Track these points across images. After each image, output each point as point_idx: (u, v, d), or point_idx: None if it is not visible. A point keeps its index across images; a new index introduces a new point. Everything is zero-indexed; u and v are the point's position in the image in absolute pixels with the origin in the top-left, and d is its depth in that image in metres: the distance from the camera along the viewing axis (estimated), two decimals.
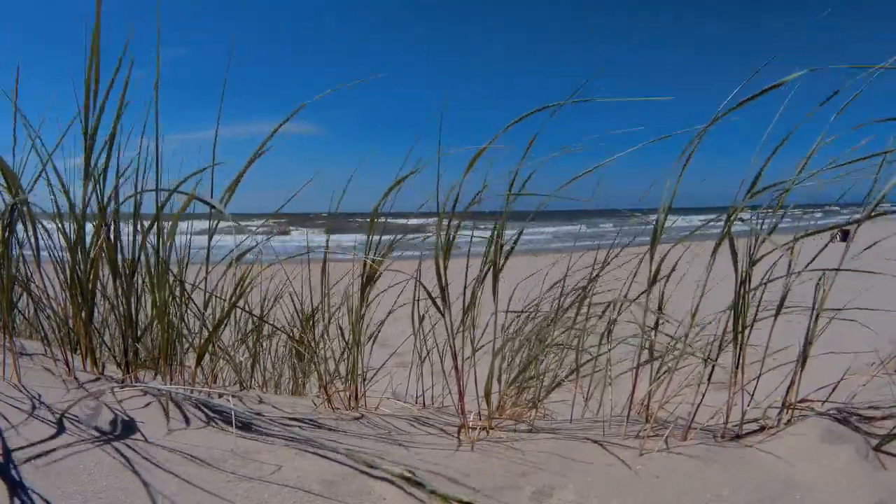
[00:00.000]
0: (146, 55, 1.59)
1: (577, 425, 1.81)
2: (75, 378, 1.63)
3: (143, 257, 1.73)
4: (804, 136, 1.54)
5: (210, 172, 1.64)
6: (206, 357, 2.01)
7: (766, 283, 1.58)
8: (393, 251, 1.91)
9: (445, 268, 1.69)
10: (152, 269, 1.71)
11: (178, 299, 1.75)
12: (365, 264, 1.90)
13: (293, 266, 2.32)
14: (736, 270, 1.57)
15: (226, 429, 1.46)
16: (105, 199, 1.68)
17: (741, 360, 1.59)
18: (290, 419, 1.71)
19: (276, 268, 2.25)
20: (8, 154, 1.66)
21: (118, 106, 1.62)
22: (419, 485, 1.24)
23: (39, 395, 1.43)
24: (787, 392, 1.61)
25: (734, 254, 1.57)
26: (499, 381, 2.00)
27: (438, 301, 1.70)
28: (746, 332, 1.59)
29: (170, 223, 1.69)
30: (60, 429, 1.27)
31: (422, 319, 1.98)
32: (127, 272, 1.73)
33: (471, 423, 1.72)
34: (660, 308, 1.75)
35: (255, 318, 2.41)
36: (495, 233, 1.68)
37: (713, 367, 1.61)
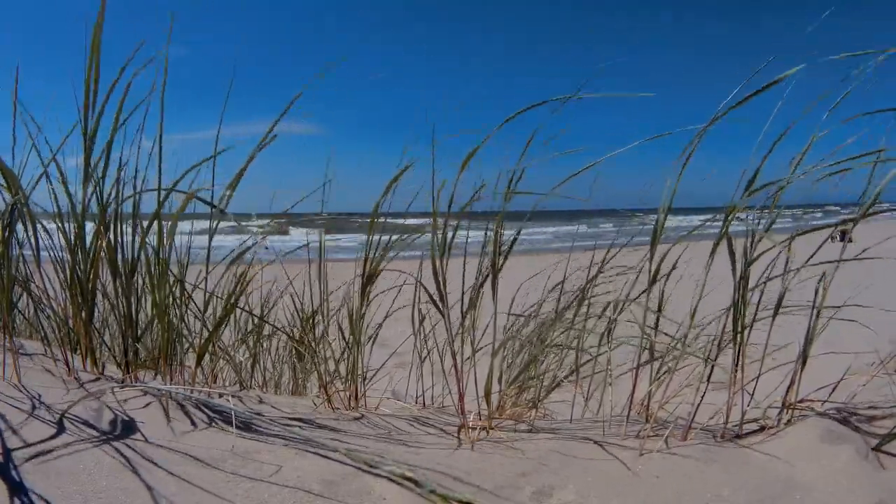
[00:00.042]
0: (146, 55, 1.59)
1: (577, 425, 1.81)
2: (75, 378, 1.63)
3: (143, 257, 1.73)
4: (804, 135, 1.54)
5: (211, 172, 1.64)
6: (206, 357, 2.01)
7: (765, 283, 1.58)
8: (392, 251, 1.91)
9: (444, 268, 1.69)
10: (152, 269, 1.71)
11: (178, 299, 1.75)
12: (365, 264, 1.90)
13: (293, 266, 2.32)
14: (734, 270, 1.57)
15: (226, 429, 1.46)
16: (105, 200, 1.68)
17: (741, 360, 1.59)
18: (290, 419, 1.71)
19: (277, 269, 2.25)
20: (7, 154, 1.66)
21: (118, 108, 1.62)
22: (419, 484, 1.24)
23: (39, 395, 1.43)
24: (787, 392, 1.61)
25: (732, 253, 1.57)
26: (499, 381, 2.00)
27: (439, 302, 1.70)
28: (746, 331, 1.59)
29: (169, 223, 1.69)
30: (60, 429, 1.27)
31: (422, 320, 1.98)
32: (127, 272, 1.73)
33: (471, 423, 1.72)
34: (659, 308, 1.75)
35: (255, 319, 2.41)
36: (494, 233, 1.68)
37: (713, 367, 1.61)
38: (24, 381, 1.52)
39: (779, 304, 1.59)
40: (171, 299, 1.72)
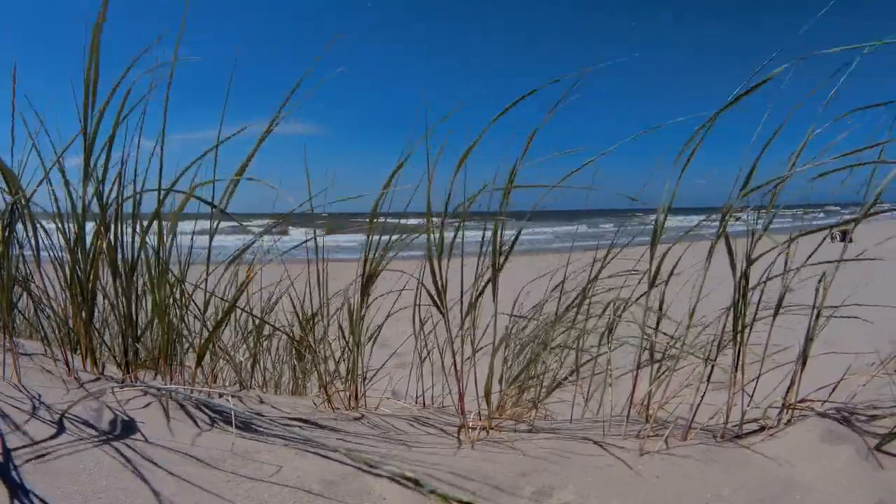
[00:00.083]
0: (146, 55, 1.59)
1: (578, 425, 1.81)
2: (75, 378, 1.63)
3: (142, 257, 1.73)
4: (802, 134, 1.54)
5: (212, 172, 1.64)
6: (207, 357, 2.01)
7: (764, 283, 1.58)
8: (392, 251, 1.91)
9: (443, 268, 1.69)
10: (152, 269, 1.71)
11: (178, 300, 1.75)
12: (365, 264, 1.90)
13: (293, 266, 2.32)
14: (734, 269, 1.57)
15: (226, 429, 1.46)
16: (105, 200, 1.68)
17: (741, 360, 1.59)
18: (290, 419, 1.71)
19: (277, 269, 2.25)
20: (7, 154, 1.66)
21: (118, 111, 1.62)
22: (419, 485, 1.24)
23: (39, 395, 1.43)
24: (787, 392, 1.61)
25: (731, 253, 1.57)
26: (499, 381, 2.00)
27: (439, 302, 1.70)
28: (746, 331, 1.59)
29: (168, 223, 1.69)
30: (60, 429, 1.27)
31: (424, 324, 1.98)
32: (127, 272, 1.73)
33: (471, 423, 1.72)
34: (660, 309, 1.75)
35: (255, 319, 2.41)
36: (493, 232, 1.68)
37: (713, 367, 1.61)
38: (24, 381, 1.52)
39: (779, 305, 1.59)
40: (171, 300, 1.72)
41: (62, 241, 1.70)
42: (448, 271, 1.71)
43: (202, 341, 1.82)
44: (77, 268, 1.67)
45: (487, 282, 1.72)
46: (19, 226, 1.65)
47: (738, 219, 1.57)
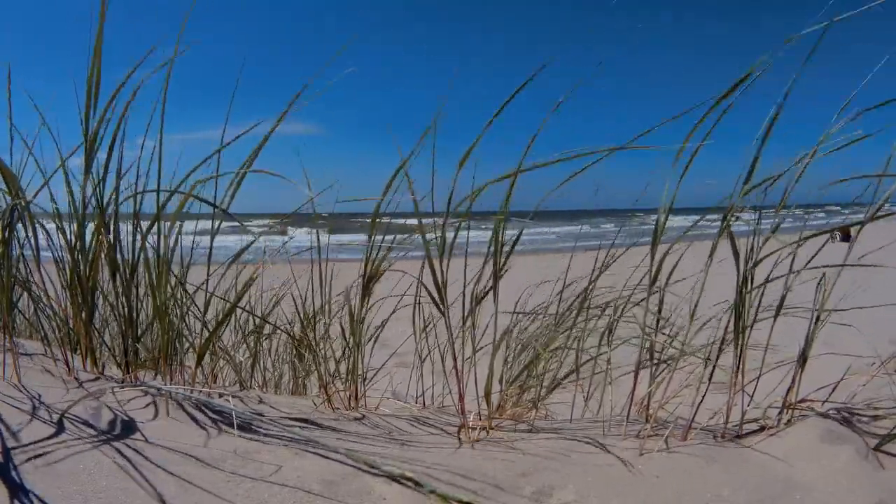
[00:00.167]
0: (149, 54, 1.59)
1: (578, 425, 1.81)
2: (75, 378, 1.63)
3: (142, 257, 1.73)
4: (806, 133, 1.54)
5: (215, 169, 1.64)
6: (207, 357, 2.01)
7: (765, 283, 1.58)
8: (393, 252, 1.91)
9: (444, 268, 1.69)
10: (152, 269, 1.71)
11: (178, 300, 1.75)
12: (366, 264, 1.90)
13: (293, 265, 2.32)
14: (738, 269, 1.57)
15: (226, 429, 1.46)
16: (105, 200, 1.68)
17: (741, 361, 1.59)
18: (290, 419, 1.71)
19: (276, 269, 2.25)
20: (6, 154, 1.66)
21: (121, 114, 1.62)
22: (419, 485, 1.24)
23: (39, 395, 1.43)
24: (787, 392, 1.61)
25: (735, 253, 1.57)
26: (499, 381, 2.00)
27: (438, 301, 1.70)
28: (747, 332, 1.59)
29: (168, 223, 1.69)
30: (60, 429, 1.27)
31: (426, 326, 1.98)
32: (127, 272, 1.73)
33: (471, 423, 1.72)
34: (659, 310, 1.75)
35: (255, 319, 2.41)
36: (495, 232, 1.67)
37: (713, 367, 1.61)
38: (24, 381, 1.52)
39: (780, 305, 1.59)
40: (172, 300, 1.72)
41: (62, 241, 1.70)
42: (449, 271, 1.71)
43: (202, 341, 1.82)
44: (77, 268, 1.67)
45: (489, 289, 1.71)
46: (19, 226, 1.65)
47: (737, 218, 1.56)
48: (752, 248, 1.56)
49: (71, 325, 1.75)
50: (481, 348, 1.75)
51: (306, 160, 1.65)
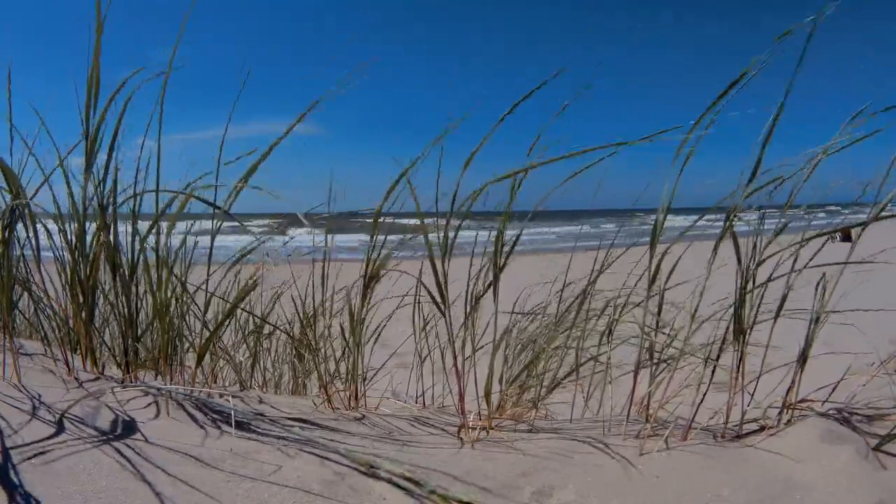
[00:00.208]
0: (147, 54, 1.59)
1: (578, 425, 1.81)
2: (75, 378, 1.63)
3: (143, 257, 1.73)
4: (807, 132, 1.54)
5: (214, 170, 1.64)
6: (207, 357, 2.01)
7: (765, 284, 1.58)
8: (394, 252, 1.91)
9: (445, 269, 1.69)
10: (152, 270, 1.71)
11: (179, 300, 1.75)
12: (367, 264, 1.89)
13: (294, 265, 2.32)
14: (740, 269, 1.57)
15: (226, 429, 1.46)
16: (106, 200, 1.68)
17: (742, 361, 1.59)
18: (290, 419, 1.71)
19: (276, 269, 2.25)
20: (6, 153, 1.66)
21: (120, 115, 1.62)
22: (419, 484, 1.24)
23: (39, 395, 1.43)
24: (788, 392, 1.61)
25: (738, 254, 1.57)
26: (499, 381, 2.00)
27: (440, 302, 1.70)
28: (747, 332, 1.59)
29: (167, 224, 1.69)
30: (60, 429, 1.27)
31: (425, 325, 1.98)
32: (127, 272, 1.73)
33: (471, 423, 1.72)
34: (659, 310, 1.75)
35: (255, 319, 2.41)
36: (498, 232, 1.67)
37: (714, 367, 1.61)
38: (24, 381, 1.52)
39: (781, 306, 1.59)
40: (173, 300, 1.72)
41: (63, 241, 1.70)
42: (449, 271, 1.71)
43: (202, 341, 1.82)
44: (77, 267, 1.67)
45: (490, 284, 1.71)
46: (20, 225, 1.65)
47: (738, 218, 1.56)
48: (753, 249, 1.56)
49: (71, 325, 1.75)
50: (481, 348, 1.75)
51: (306, 160, 1.65)
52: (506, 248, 1.71)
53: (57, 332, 1.80)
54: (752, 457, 1.45)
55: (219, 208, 1.60)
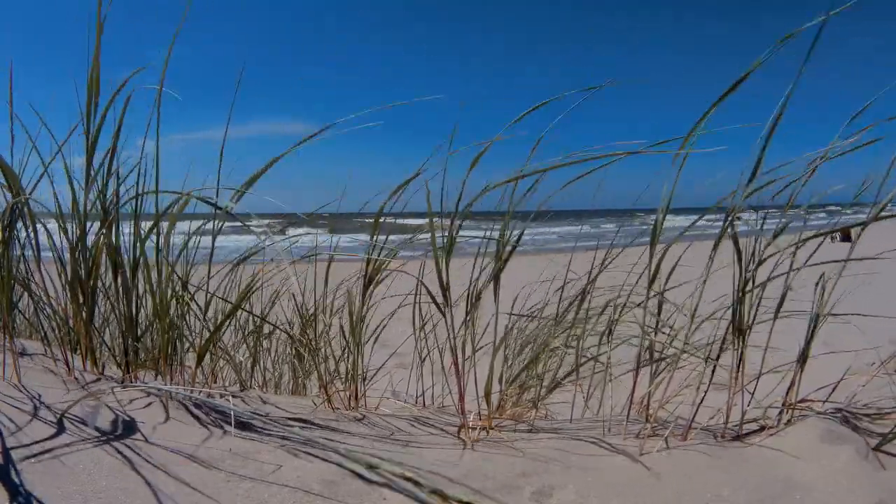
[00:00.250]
0: (146, 54, 1.59)
1: (578, 425, 1.81)
2: (75, 378, 1.63)
3: (143, 258, 1.73)
4: (807, 132, 1.54)
5: (215, 169, 1.64)
6: (207, 357, 2.01)
7: (765, 283, 1.58)
8: (395, 251, 1.91)
9: (447, 269, 1.69)
10: (152, 270, 1.71)
11: (179, 300, 1.75)
12: (367, 264, 1.90)
13: (292, 266, 2.32)
14: (740, 271, 1.57)
15: (226, 429, 1.46)
16: (107, 200, 1.68)
17: (741, 361, 1.59)
18: (290, 419, 1.72)
19: (276, 269, 2.25)
20: (6, 152, 1.66)
21: (121, 115, 1.62)
22: (419, 485, 1.24)
23: (39, 395, 1.43)
24: (787, 392, 1.61)
25: (739, 255, 1.57)
26: (499, 381, 2.00)
27: (440, 302, 1.70)
28: (747, 332, 1.59)
29: (167, 224, 1.69)
30: (60, 429, 1.27)
31: (424, 324, 1.98)
32: (128, 272, 1.73)
33: (471, 423, 1.72)
34: (659, 310, 1.75)
35: (255, 319, 2.41)
36: (501, 233, 1.68)
37: (714, 367, 1.61)
38: (24, 381, 1.52)
39: (780, 305, 1.59)
40: (173, 301, 1.72)
41: (63, 241, 1.71)
42: (451, 272, 1.71)
43: (203, 342, 1.82)
44: (78, 267, 1.67)
45: (492, 278, 1.71)
46: (19, 225, 1.65)
47: (739, 218, 1.56)
48: (753, 249, 1.56)
49: (71, 325, 1.75)
50: (481, 348, 1.75)
51: (306, 160, 1.65)
52: (507, 248, 1.71)
53: (57, 332, 1.80)
54: (752, 457, 1.45)
55: (220, 208, 1.60)
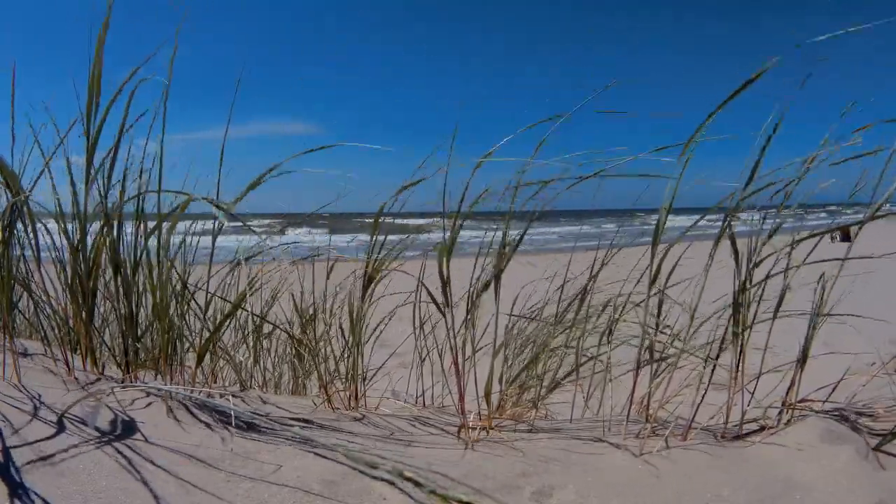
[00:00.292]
0: (146, 54, 1.59)
1: (578, 425, 1.81)
2: (75, 378, 1.63)
3: (143, 258, 1.73)
4: (807, 132, 1.55)
5: (214, 169, 1.64)
6: (207, 357, 2.01)
7: (762, 282, 1.58)
8: (395, 252, 1.91)
9: (447, 267, 1.69)
10: (153, 270, 1.71)
11: (179, 300, 1.75)
12: (367, 264, 1.90)
13: (291, 266, 2.32)
14: (738, 271, 1.57)
15: (226, 429, 1.46)
16: (108, 201, 1.68)
17: (741, 361, 1.59)
18: (290, 419, 1.72)
19: (276, 268, 2.25)
20: (6, 152, 1.66)
21: (123, 115, 1.62)
22: (419, 485, 1.24)
23: (39, 395, 1.43)
24: (787, 392, 1.61)
25: (736, 255, 1.57)
26: (499, 381, 2.00)
27: (440, 302, 1.70)
28: (746, 332, 1.59)
29: (168, 224, 1.69)
30: (60, 429, 1.27)
31: (423, 323, 1.98)
32: (128, 272, 1.73)
33: (471, 423, 1.72)
34: (659, 310, 1.75)
35: (255, 319, 2.41)
36: (503, 233, 1.68)
37: (713, 367, 1.61)
38: (24, 381, 1.52)
39: (779, 305, 1.59)
40: (173, 300, 1.72)
41: (64, 241, 1.70)
42: (451, 272, 1.71)
43: (203, 341, 1.82)
44: (78, 268, 1.67)
45: (493, 277, 1.72)
46: (19, 225, 1.65)
47: (737, 218, 1.57)
48: (752, 249, 1.56)
49: (71, 325, 1.75)
50: (481, 348, 1.75)
51: (306, 159, 1.64)
52: (508, 249, 1.71)
53: (57, 332, 1.80)
54: (752, 457, 1.45)
55: (221, 209, 1.60)
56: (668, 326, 1.79)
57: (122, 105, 1.62)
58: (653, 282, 1.63)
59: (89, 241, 1.68)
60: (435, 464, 1.41)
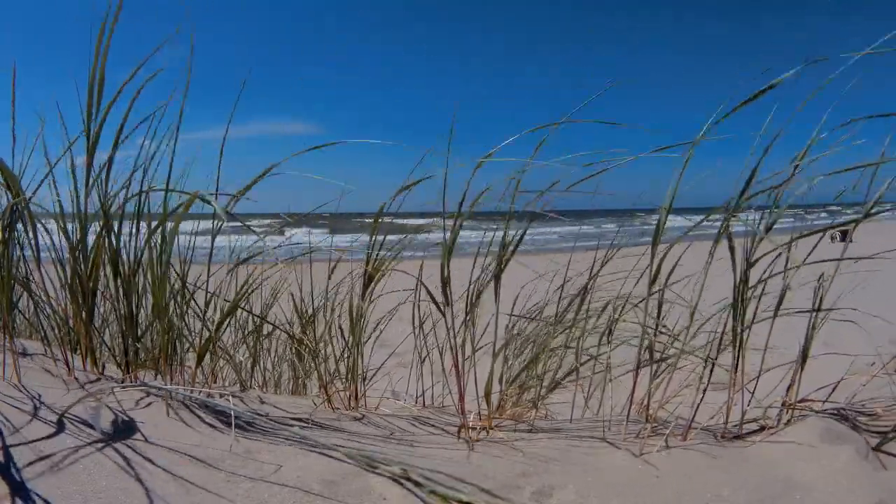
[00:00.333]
0: (146, 54, 1.59)
1: (578, 425, 1.81)
2: (75, 378, 1.63)
3: (144, 257, 1.73)
4: (807, 133, 1.55)
5: (214, 169, 1.64)
6: (207, 357, 2.01)
7: (763, 282, 1.58)
8: (393, 251, 1.91)
9: (447, 267, 1.69)
10: (154, 270, 1.71)
11: (178, 300, 1.75)
12: (367, 263, 1.90)
13: (291, 266, 2.32)
14: (735, 271, 1.57)
15: (226, 429, 1.46)
16: (108, 201, 1.68)
17: (741, 361, 1.59)
18: (290, 419, 1.72)
19: (275, 269, 2.25)
20: (7, 153, 1.66)
21: (125, 115, 1.62)
22: (419, 485, 1.24)
23: (39, 395, 1.43)
24: (787, 392, 1.61)
25: (733, 255, 1.57)
26: (499, 381, 2.00)
27: (440, 302, 1.70)
28: (746, 331, 1.59)
29: (170, 224, 1.69)
30: (60, 429, 1.27)
31: (423, 322, 1.98)
32: (128, 272, 1.73)
33: (471, 423, 1.72)
34: (659, 310, 1.74)
35: (255, 319, 2.41)
36: (504, 234, 1.68)
37: (713, 367, 1.61)
38: (24, 381, 1.52)
39: (779, 305, 1.59)
40: (173, 301, 1.72)
41: (64, 241, 1.70)
42: (451, 271, 1.71)
43: (202, 341, 1.82)
44: (78, 268, 1.67)
45: (494, 276, 1.72)
46: (19, 225, 1.65)
47: (736, 218, 1.57)
48: (747, 249, 1.56)
49: (71, 325, 1.75)
50: (481, 347, 1.75)
51: (306, 159, 1.64)
52: (508, 249, 1.71)
53: (57, 332, 1.80)
54: (752, 457, 1.45)
55: (225, 211, 1.60)
56: (666, 327, 1.79)
57: (122, 105, 1.62)
58: (653, 282, 1.63)
59: (89, 241, 1.68)
60: (435, 463, 1.41)
